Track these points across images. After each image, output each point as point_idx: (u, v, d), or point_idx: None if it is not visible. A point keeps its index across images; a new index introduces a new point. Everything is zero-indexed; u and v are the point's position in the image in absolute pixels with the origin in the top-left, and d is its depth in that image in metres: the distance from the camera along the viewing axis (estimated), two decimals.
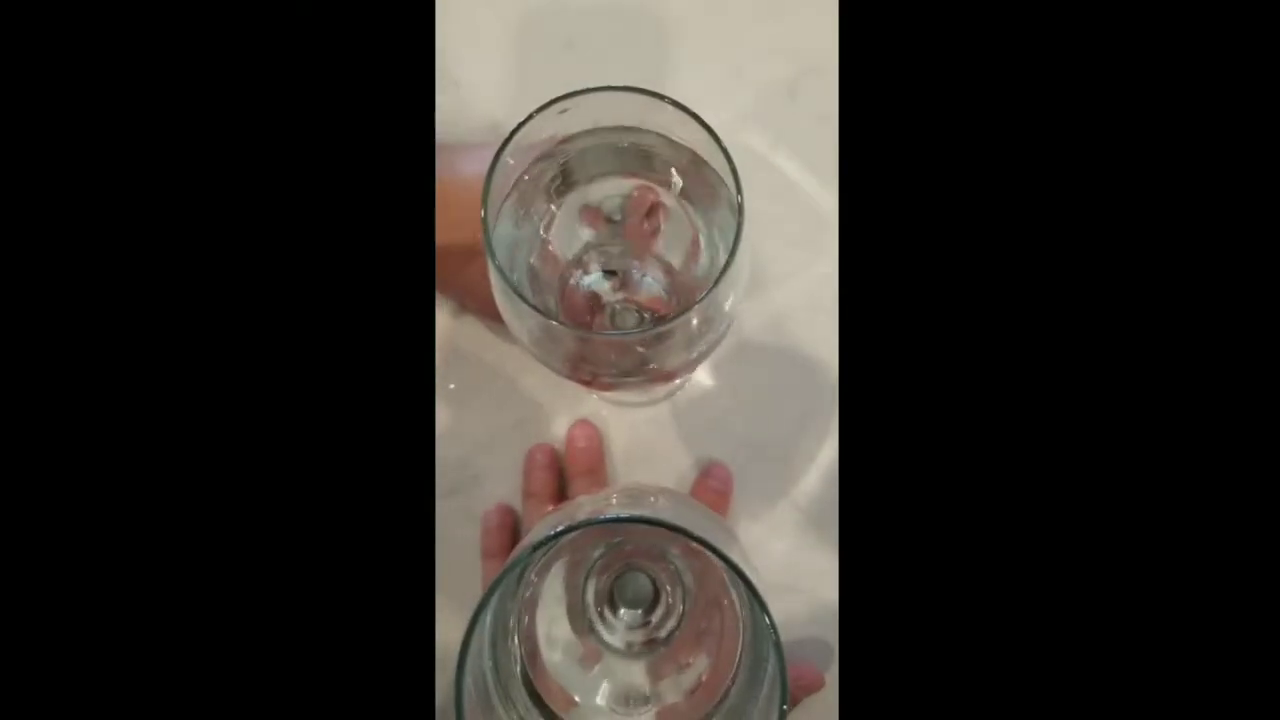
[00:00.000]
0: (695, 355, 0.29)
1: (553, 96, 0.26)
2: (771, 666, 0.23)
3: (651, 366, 0.28)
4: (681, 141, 0.28)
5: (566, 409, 0.41)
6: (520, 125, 0.25)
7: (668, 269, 0.32)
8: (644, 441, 0.41)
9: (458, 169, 0.36)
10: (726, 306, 0.28)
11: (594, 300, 0.33)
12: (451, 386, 0.41)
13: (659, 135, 0.28)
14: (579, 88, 0.26)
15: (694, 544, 0.24)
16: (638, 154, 0.29)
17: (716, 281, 0.26)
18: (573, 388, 0.41)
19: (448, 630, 0.36)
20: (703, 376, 0.42)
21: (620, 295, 0.33)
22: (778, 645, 0.21)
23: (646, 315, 0.33)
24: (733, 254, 0.25)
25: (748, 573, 0.23)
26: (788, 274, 0.42)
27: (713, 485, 0.39)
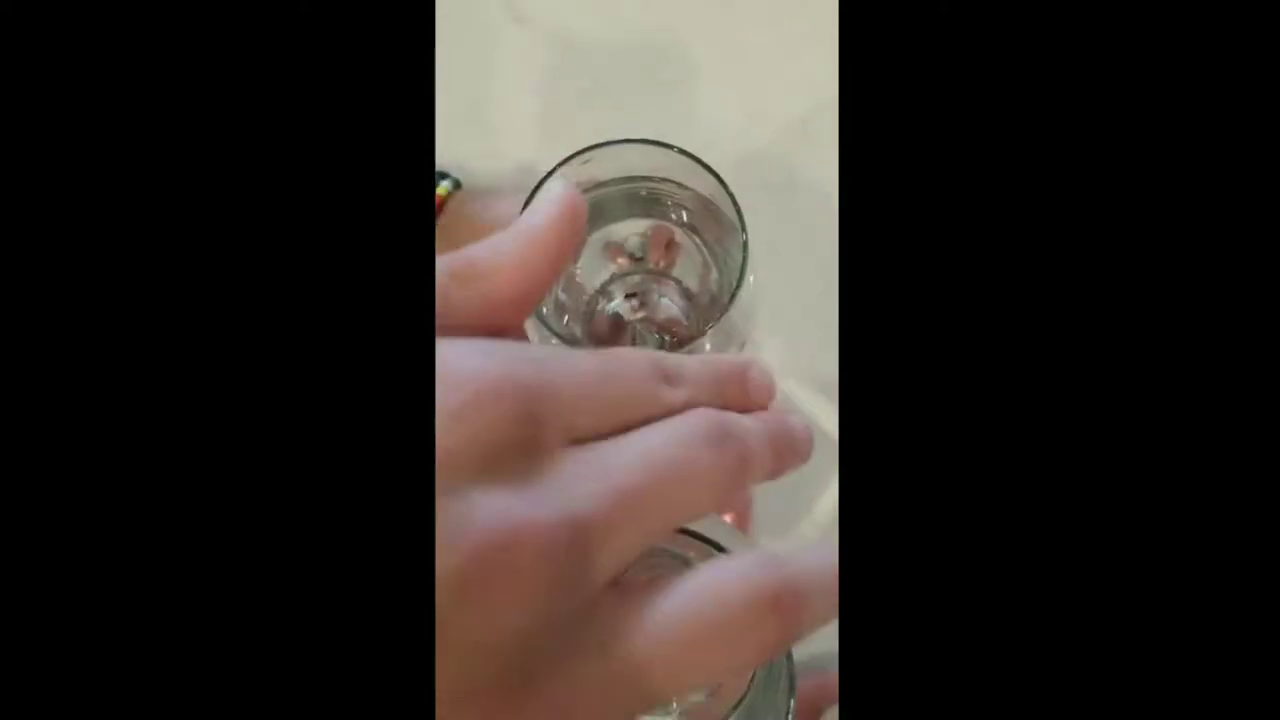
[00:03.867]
0: None
1: (579, 139, 0.29)
2: (782, 662, 0.25)
3: None
4: (695, 186, 0.31)
5: None
6: (548, 175, 0.28)
7: (685, 294, 0.35)
8: None
9: (492, 212, 0.39)
10: (738, 330, 0.31)
11: (617, 323, 0.35)
12: None
13: (674, 181, 0.31)
14: (605, 130, 0.29)
15: (709, 549, 0.26)
16: (653, 197, 0.32)
17: (727, 307, 0.28)
18: None
19: None
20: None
21: (641, 314, 0.36)
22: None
23: (666, 337, 0.35)
24: (738, 284, 0.28)
25: None
26: (801, 301, 0.44)
27: (733, 504, 0.41)
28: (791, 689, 0.25)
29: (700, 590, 0.18)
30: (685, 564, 0.35)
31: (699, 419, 0.19)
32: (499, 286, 0.20)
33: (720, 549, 0.25)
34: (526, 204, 0.29)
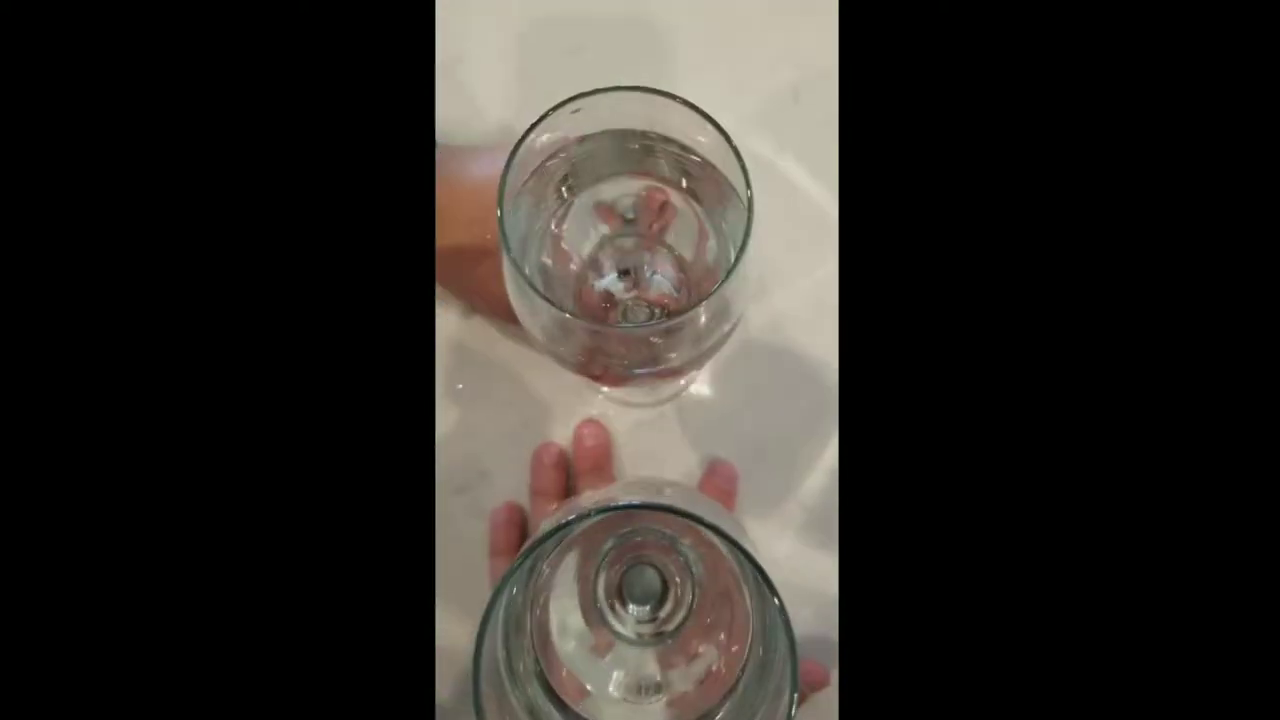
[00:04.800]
0: (703, 350, 0.30)
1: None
2: (782, 648, 0.24)
3: (663, 359, 0.28)
4: (690, 143, 0.28)
5: (573, 409, 0.42)
6: (536, 123, 0.26)
7: (678, 264, 0.33)
8: (649, 442, 0.42)
9: (467, 171, 0.36)
10: (734, 303, 0.29)
11: (608, 298, 0.33)
12: (460, 386, 0.42)
13: (668, 137, 0.29)
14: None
15: (705, 533, 0.24)
16: (647, 155, 0.29)
17: (725, 278, 0.26)
18: (580, 388, 0.42)
19: (454, 626, 0.36)
20: (707, 378, 0.42)
21: (633, 293, 0.34)
22: (788, 627, 0.22)
23: (657, 311, 0.33)
24: (741, 250, 0.26)
25: (756, 557, 0.23)
26: (791, 277, 0.42)
27: (718, 483, 0.40)
28: (794, 681, 0.23)
29: None
30: (676, 550, 0.33)
31: None
32: None
33: (710, 526, 0.24)
34: (511, 156, 0.27)
